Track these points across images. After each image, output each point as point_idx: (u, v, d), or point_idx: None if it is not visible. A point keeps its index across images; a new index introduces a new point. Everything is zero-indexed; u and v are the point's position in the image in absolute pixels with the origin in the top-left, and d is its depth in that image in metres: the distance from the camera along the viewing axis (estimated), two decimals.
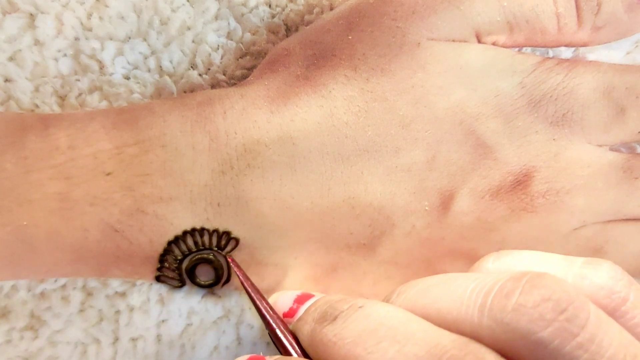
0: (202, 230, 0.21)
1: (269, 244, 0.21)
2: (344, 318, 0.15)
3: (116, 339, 0.23)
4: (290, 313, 0.19)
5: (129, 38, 0.24)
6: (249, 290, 0.20)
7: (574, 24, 0.22)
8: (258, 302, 0.19)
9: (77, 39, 0.23)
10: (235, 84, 0.25)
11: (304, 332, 0.17)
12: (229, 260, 0.21)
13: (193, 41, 0.24)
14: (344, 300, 0.17)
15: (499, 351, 0.14)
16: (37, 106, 0.23)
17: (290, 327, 0.19)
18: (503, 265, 0.17)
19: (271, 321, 0.19)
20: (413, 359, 0.13)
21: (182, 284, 0.22)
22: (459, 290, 0.15)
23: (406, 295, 0.17)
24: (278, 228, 0.21)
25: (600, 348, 0.13)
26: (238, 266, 0.21)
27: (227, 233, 0.21)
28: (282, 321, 0.19)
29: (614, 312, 0.14)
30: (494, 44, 0.22)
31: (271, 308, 0.19)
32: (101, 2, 0.23)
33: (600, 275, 0.15)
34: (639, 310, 0.14)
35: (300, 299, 0.19)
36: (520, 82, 0.22)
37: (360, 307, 0.16)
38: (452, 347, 0.13)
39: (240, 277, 0.20)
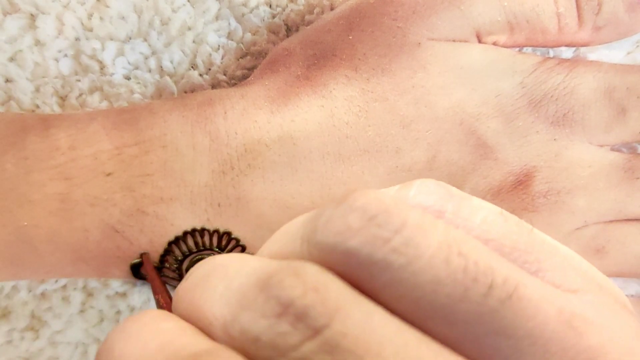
0: (202, 231, 0.21)
1: None
2: (191, 273, 0.15)
3: None
4: None
5: (130, 38, 0.24)
6: (152, 279, 0.20)
7: (575, 23, 0.22)
8: (155, 281, 0.20)
9: (77, 39, 0.23)
10: (235, 84, 0.25)
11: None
12: (144, 258, 0.21)
13: (194, 41, 0.24)
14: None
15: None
16: (37, 106, 0.23)
17: None
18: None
19: (155, 289, 0.19)
20: (240, 289, 0.12)
21: None
22: (291, 228, 0.14)
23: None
24: (278, 228, 0.21)
25: (418, 250, 0.12)
26: (148, 261, 0.21)
27: (228, 233, 0.21)
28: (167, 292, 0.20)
29: None
30: (494, 44, 0.22)
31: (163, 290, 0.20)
32: (102, 3, 0.23)
33: (411, 194, 0.13)
34: (460, 220, 0.13)
35: None
36: (521, 82, 0.22)
37: (204, 261, 0.15)
38: (277, 269, 0.12)
39: (148, 269, 0.21)
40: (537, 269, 0.12)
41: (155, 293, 0.20)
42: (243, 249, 0.22)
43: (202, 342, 0.12)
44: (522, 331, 0.11)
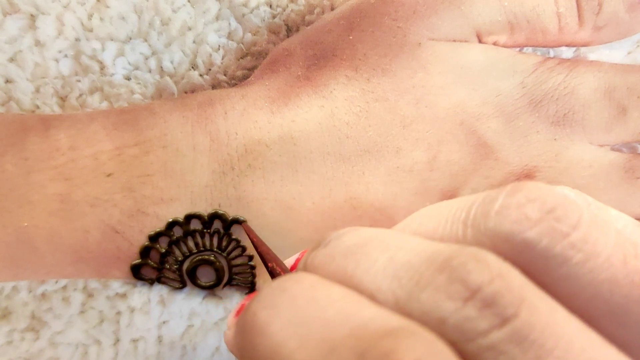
0: (202, 232, 0.21)
1: (270, 244, 0.21)
2: (335, 239, 0.14)
3: (117, 340, 0.23)
4: (294, 266, 0.18)
5: (130, 39, 0.24)
6: (258, 246, 0.19)
7: (575, 23, 0.22)
8: (263, 248, 0.19)
9: (77, 39, 0.23)
10: (236, 84, 0.25)
11: (299, 267, 0.16)
12: (244, 226, 0.21)
13: (194, 42, 0.24)
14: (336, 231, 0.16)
15: None
16: (37, 107, 0.23)
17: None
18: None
19: (268, 257, 0.18)
20: (406, 265, 0.12)
21: (183, 285, 0.22)
22: (444, 212, 0.14)
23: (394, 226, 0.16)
24: (279, 229, 0.21)
25: (596, 247, 0.12)
26: (250, 230, 0.20)
27: (229, 234, 0.21)
28: (282, 264, 0.18)
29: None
30: (495, 44, 0.22)
31: (276, 258, 0.18)
32: (102, 3, 0.23)
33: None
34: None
35: (302, 254, 0.18)
36: (521, 82, 0.22)
37: (350, 230, 0.15)
38: (449, 250, 0.12)
39: (252, 237, 0.20)
40: None
41: (268, 261, 0.18)
42: (243, 250, 0.22)
43: (390, 317, 0.12)
44: None
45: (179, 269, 0.22)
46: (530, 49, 0.23)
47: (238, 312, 0.16)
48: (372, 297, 0.12)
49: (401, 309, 0.12)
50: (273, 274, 0.18)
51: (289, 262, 0.18)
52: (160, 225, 0.21)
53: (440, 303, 0.11)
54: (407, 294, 0.12)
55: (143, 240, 0.21)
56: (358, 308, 0.12)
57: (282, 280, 0.13)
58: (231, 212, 0.21)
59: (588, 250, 0.12)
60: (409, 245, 0.13)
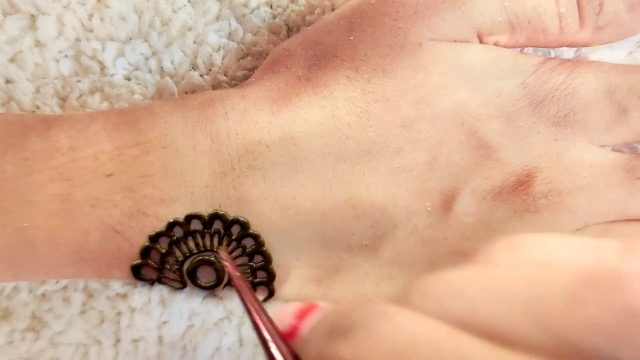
0: (203, 232, 0.21)
1: (270, 245, 0.21)
2: (363, 330, 0.11)
3: (117, 341, 0.23)
4: (292, 332, 0.14)
5: (130, 39, 0.24)
6: (245, 299, 0.16)
7: (576, 24, 0.22)
8: (255, 315, 0.15)
9: (78, 40, 0.23)
10: (236, 84, 0.25)
11: (311, 354, 0.13)
12: (224, 261, 0.19)
13: (194, 42, 0.24)
14: (360, 307, 0.12)
15: None
16: (38, 107, 0.23)
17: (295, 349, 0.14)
18: (516, 257, 0.13)
19: (268, 339, 0.14)
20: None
21: (183, 285, 0.22)
22: (503, 292, 0.11)
23: (433, 298, 0.12)
24: (279, 229, 0.21)
25: None
26: (234, 267, 0.18)
27: (229, 234, 0.21)
28: (283, 341, 0.14)
29: None
30: (495, 44, 0.22)
31: (272, 323, 0.14)
32: (102, 3, 0.23)
33: None
34: None
35: (302, 313, 0.14)
36: (522, 82, 0.22)
37: (383, 315, 0.12)
38: None
39: (236, 283, 0.17)
40: None
41: (250, 314, 0.15)
42: (243, 250, 0.22)
43: None
44: None
45: (179, 270, 0.22)
46: (531, 49, 0.23)
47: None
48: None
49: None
50: (260, 335, 0.14)
51: (283, 315, 0.14)
52: (160, 226, 0.21)
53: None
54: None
55: (143, 241, 0.21)
56: None
57: None
58: (231, 213, 0.21)
59: None
60: None
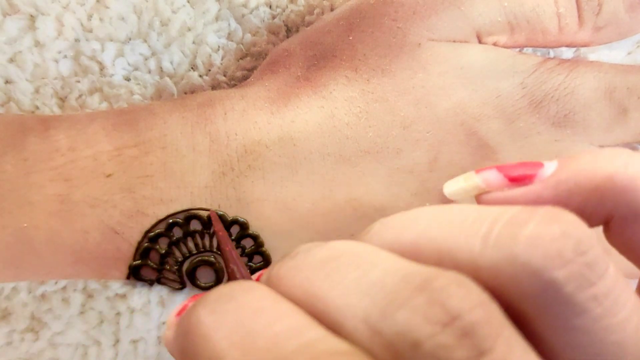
0: (202, 232, 0.21)
1: (270, 245, 0.21)
2: (304, 252, 0.13)
3: (117, 341, 0.23)
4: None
5: (130, 39, 0.24)
6: (222, 242, 0.18)
7: (575, 24, 0.22)
8: (227, 246, 0.17)
9: (77, 40, 0.23)
10: (235, 85, 0.25)
11: (263, 279, 0.14)
12: (211, 214, 0.20)
13: (193, 42, 0.24)
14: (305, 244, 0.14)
15: (493, 290, 0.11)
16: (37, 108, 0.23)
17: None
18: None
19: (230, 258, 0.16)
20: (380, 282, 0.11)
21: (182, 286, 0.22)
22: (456, 219, 0.13)
23: (388, 229, 0.14)
24: (279, 230, 0.21)
25: (615, 305, 0.11)
26: (217, 221, 0.19)
27: (228, 235, 0.21)
28: (245, 269, 0.17)
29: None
30: (495, 44, 0.22)
31: (239, 260, 0.17)
32: (101, 4, 0.23)
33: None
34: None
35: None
36: (521, 82, 0.22)
37: (321, 244, 0.14)
38: (428, 272, 0.11)
39: (216, 227, 0.19)
40: None
41: (229, 262, 0.17)
42: (243, 250, 0.22)
43: (339, 341, 0.11)
44: None
45: (179, 270, 0.22)
46: (530, 49, 0.23)
47: (179, 313, 0.15)
48: (338, 313, 0.12)
49: (371, 327, 0.11)
50: (230, 277, 0.16)
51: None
52: (160, 226, 0.21)
53: (416, 325, 0.11)
54: (380, 311, 0.11)
55: (143, 241, 0.21)
56: (307, 327, 0.12)
57: (232, 287, 0.13)
58: (231, 213, 0.21)
59: (607, 306, 0.11)
60: (385, 262, 0.12)
